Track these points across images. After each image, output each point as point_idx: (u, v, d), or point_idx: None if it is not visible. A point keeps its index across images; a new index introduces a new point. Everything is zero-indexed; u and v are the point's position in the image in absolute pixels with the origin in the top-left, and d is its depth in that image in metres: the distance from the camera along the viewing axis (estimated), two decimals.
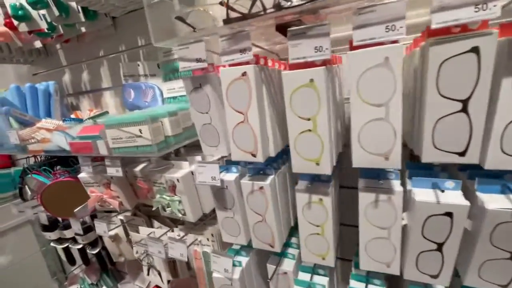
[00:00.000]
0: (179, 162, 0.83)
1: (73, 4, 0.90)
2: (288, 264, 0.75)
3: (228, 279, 0.73)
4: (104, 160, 0.93)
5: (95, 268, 1.43)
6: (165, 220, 1.09)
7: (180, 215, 0.82)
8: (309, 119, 0.50)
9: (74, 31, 1.04)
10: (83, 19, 0.92)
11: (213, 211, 0.91)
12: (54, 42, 1.19)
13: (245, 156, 0.59)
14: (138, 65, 1.03)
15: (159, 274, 0.97)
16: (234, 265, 0.74)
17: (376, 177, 0.54)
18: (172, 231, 0.98)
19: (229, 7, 0.49)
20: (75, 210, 1.06)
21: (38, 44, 1.14)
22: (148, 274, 1.01)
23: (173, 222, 1.07)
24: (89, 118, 0.98)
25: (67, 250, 1.40)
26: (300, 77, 0.48)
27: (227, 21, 0.50)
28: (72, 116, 1.19)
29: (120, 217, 1.14)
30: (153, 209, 0.87)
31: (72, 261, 1.43)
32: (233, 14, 0.50)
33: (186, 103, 0.89)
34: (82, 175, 0.94)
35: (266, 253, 0.80)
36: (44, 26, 0.94)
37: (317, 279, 0.68)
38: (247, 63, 0.53)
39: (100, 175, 0.92)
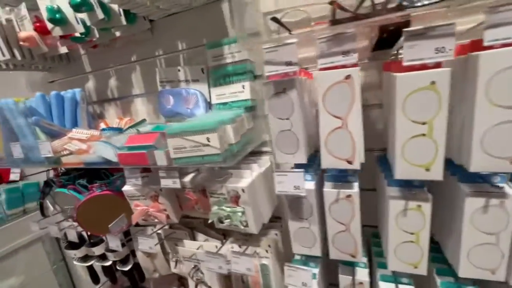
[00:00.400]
0: (238, 171, 0.79)
1: (115, 7, 0.84)
2: (362, 274, 0.72)
3: None
4: (151, 171, 0.88)
5: (122, 287, 1.35)
6: (208, 232, 1.04)
7: (242, 227, 0.77)
8: (424, 123, 0.47)
9: (109, 35, 0.98)
10: (124, 22, 0.87)
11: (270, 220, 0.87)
12: (83, 47, 1.12)
13: (339, 163, 0.56)
14: (179, 70, 0.98)
15: None
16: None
17: (482, 181, 0.53)
18: (222, 243, 0.93)
19: (341, 7, 0.46)
20: (109, 225, 0.99)
21: (63, 49, 1.07)
22: None
23: (217, 233, 1.02)
24: (130, 127, 0.92)
25: (91, 269, 1.31)
26: (420, 79, 0.45)
27: (336, 21, 0.48)
28: (102, 125, 1.12)
29: (158, 231, 1.08)
30: (210, 221, 0.82)
31: (96, 279, 1.34)
32: (340, 15, 0.48)
33: (238, 110, 0.85)
34: (127, 188, 0.88)
35: (330, 263, 0.77)
36: (80, 30, 0.87)
37: None
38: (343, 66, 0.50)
39: (147, 187, 0.86)
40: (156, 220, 0.92)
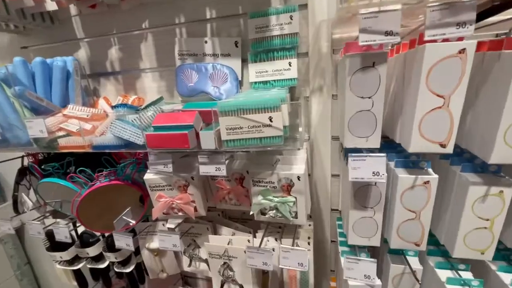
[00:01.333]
0: (284, 157, 0.71)
1: None
2: (414, 262, 0.70)
3: (370, 287, 0.65)
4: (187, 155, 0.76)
5: None
6: (230, 224, 0.94)
7: (290, 219, 0.70)
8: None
9: None
10: None
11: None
12: (77, 6, 0.91)
13: (431, 147, 0.52)
14: (206, 41, 0.85)
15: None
16: None
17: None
18: (255, 236, 0.85)
19: None
20: (114, 221, 0.85)
21: (52, 6, 0.86)
22: None
23: (241, 225, 0.93)
24: (148, 106, 0.77)
25: (79, 273, 1.12)
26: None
27: None
28: (101, 103, 0.94)
29: (170, 225, 0.95)
30: (251, 213, 0.73)
31: (84, 284, 1.15)
32: None
33: (281, 90, 0.76)
34: (150, 177, 0.74)
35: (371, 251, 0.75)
36: None
37: (465, 275, 0.65)
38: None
39: (177, 175, 0.73)
40: (179, 214, 0.80)
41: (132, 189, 0.82)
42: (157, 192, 0.76)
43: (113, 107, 0.76)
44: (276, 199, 0.70)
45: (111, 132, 0.69)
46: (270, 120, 0.58)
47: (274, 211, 0.72)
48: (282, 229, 0.86)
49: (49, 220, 1.04)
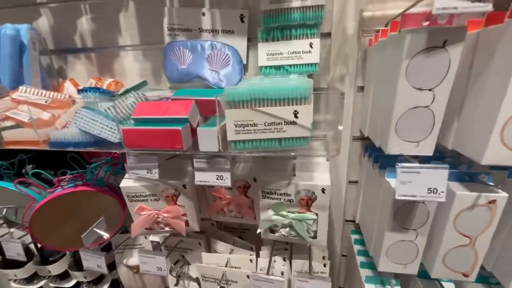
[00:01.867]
0: (306, 161, 0.57)
1: None
2: None
3: None
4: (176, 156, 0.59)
5: None
6: (226, 238, 0.79)
7: (308, 240, 0.56)
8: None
9: None
10: None
11: None
12: None
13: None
14: (203, 14, 0.68)
15: None
16: None
17: None
18: (258, 255, 0.70)
19: None
20: (83, 236, 0.67)
21: None
22: None
23: (238, 239, 0.78)
24: (127, 91, 0.59)
25: None
26: None
27: None
28: (67, 86, 0.75)
29: (153, 238, 0.79)
30: (259, 231, 0.59)
31: None
32: None
33: (300, 78, 0.61)
34: (128, 184, 0.57)
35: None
36: None
37: None
38: None
39: (165, 183, 0.57)
40: (166, 229, 0.64)
41: (106, 197, 0.65)
42: (137, 203, 0.59)
43: (80, 90, 0.58)
44: (291, 215, 0.56)
45: (76, 125, 0.51)
46: (295, 116, 0.43)
47: (288, 229, 0.58)
48: (291, 245, 0.72)
49: (2, 230, 0.84)
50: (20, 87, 0.63)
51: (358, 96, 0.70)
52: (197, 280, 0.79)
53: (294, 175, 0.51)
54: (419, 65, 0.40)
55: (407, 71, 0.41)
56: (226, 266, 0.68)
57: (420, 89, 0.41)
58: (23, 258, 0.72)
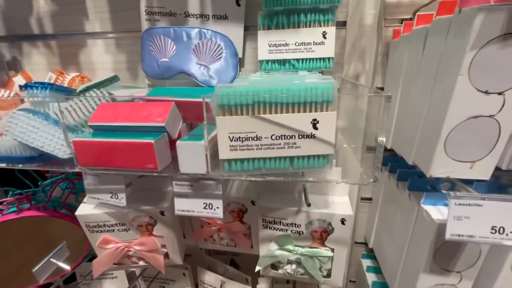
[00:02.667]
0: (318, 183, 0.45)
1: None
2: None
3: None
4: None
5: None
6: (215, 265, 0.67)
7: (321, 280, 0.44)
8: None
9: None
10: None
11: None
12: None
13: None
14: None
15: None
16: None
17: None
18: None
19: None
20: (35, 270, 0.54)
21: None
22: None
23: (231, 267, 0.65)
24: (88, 88, 0.46)
25: None
26: None
27: None
28: (17, 80, 0.60)
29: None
30: (258, 269, 0.46)
31: None
32: None
33: (311, 74, 0.49)
34: (86, 212, 0.43)
35: None
36: None
37: None
38: None
39: (136, 209, 0.43)
40: (141, 264, 0.50)
41: (62, 222, 0.51)
42: (100, 234, 0.45)
43: (22, 86, 0.44)
44: (300, 250, 0.43)
45: (10, 134, 0.37)
46: (315, 126, 0.31)
47: (294, 265, 0.46)
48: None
49: None
50: None
51: (374, 99, 0.58)
52: None
53: (309, 205, 0.39)
54: (490, 59, 0.28)
55: (470, 68, 0.29)
56: None
57: (486, 92, 0.30)
58: None
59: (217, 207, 0.37)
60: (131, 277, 0.68)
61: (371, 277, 0.63)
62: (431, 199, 0.40)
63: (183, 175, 0.36)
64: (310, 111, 0.31)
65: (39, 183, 0.52)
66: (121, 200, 0.40)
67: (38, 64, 0.67)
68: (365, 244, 0.70)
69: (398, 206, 0.50)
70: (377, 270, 0.64)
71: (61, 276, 0.61)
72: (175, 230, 0.48)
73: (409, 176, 0.47)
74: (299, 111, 0.31)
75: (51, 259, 0.56)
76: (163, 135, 0.35)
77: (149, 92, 0.44)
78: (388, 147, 0.54)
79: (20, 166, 0.39)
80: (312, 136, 0.31)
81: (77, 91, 0.45)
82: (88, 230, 0.45)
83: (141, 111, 0.37)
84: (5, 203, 0.46)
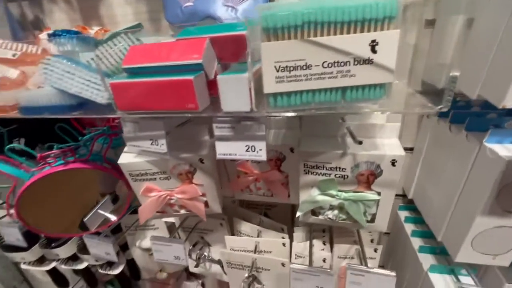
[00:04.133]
0: (363, 123, 0.41)
1: None
2: None
3: None
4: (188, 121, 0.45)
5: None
6: (249, 216, 0.68)
7: (365, 224, 0.43)
8: None
9: None
10: None
11: None
12: None
13: None
14: None
15: None
16: None
17: None
18: (291, 237, 0.59)
19: None
20: (86, 219, 0.57)
21: None
22: None
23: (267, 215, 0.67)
24: (115, 35, 0.43)
25: (54, 272, 0.88)
26: None
27: None
28: (44, 35, 0.59)
29: (168, 218, 0.69)
30: (298, 214, 0.46)
31: (63, 283, 0.92)
32: None
33: None
34: (128, 160, 0.44)
35: None
36: None
37: None
38: None
39: (176, 157, 0.43)
40: (182, 212, 0.52)
41: (105, 174, 0.53)
42: (143, 182, 0.46)
43: (51, 35, 0.42)
44: (343, 195, 0.42)
45: (47, 81, 0.37)
46: (373, 49, 0.27)
47: (336, 211, 0.45)
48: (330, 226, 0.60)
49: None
50: None
51: (425, 34, 0.51)
52: (219, 262, 0.70)
53: (361, 143, 0.36)
54: None
55: None
56: (255, 251, 0.57)
57: None
58: (22, 243, 0.63)
59: (260, 149, 0.36)
60: (171, 228, 0.72)
61: (409, 227, 0.62)
62: (496, 137, 0.36)
63: (223, 118, 0.34)
64: (369, 30, 0.27)
65: (79, 139, 0.54)
66: (162, 146, 0.39)
67: (61, 21, 0.66)
68: (403, 195, 0.68)
69: (450, 150, 0.46)
70: (416, 220, 0.63)
71: (109, 226, 0.65)
72: (214, 179, 0.48)
73: (466, 117, 0.42)
74: (355, 31, 0.27)
75: (98, 211, 0.60)
76: (201, 73, 0.33)
77: (178, 34, 0.41)
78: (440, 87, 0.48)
79: (60, 115, 0.39)
80: (369, 62, 0.28)
81: (104, 38, 0.43)
82: (132, 178, 0.46)
83: (175, 50, 0.34)
84: (52, 155, 0.48)
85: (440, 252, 0.53)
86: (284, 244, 0.58)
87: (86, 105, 0.40)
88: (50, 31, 0.52)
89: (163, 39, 0.50)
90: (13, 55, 0.47)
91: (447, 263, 0.50)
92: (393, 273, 0.42)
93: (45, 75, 0.36)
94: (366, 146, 0.39)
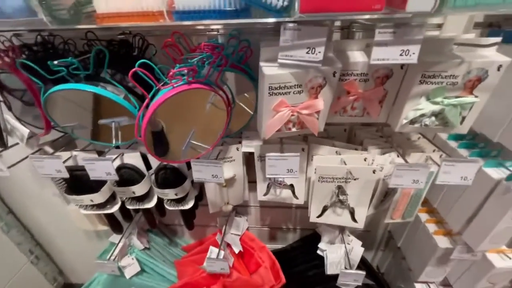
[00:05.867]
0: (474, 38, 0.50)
1: None
2: None
3: None
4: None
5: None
6: (323, 141, 0.75)
7: (457, 124, 0.54)
8: None
9: None
10: None
11: None
12: None
13: None
14: None
15: (352, 211, 0.71)
16: None
17: None
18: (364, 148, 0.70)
19: None
20: (183, 148, 0.60)
21: None
22: (321, 214, 0.73)
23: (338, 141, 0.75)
24: None
25: (111, 215, 0.88)
26: None
27: None
28: None
29: (245, 149, 0.73)
30: (403, 122, 0.55)
31: (119, 227, 0.93)
32: None
33: None
34: (272, 71, 0.46)
35: None
36: None
37: None
38: None
39: (317, 69, 0.47)
40: (293, 130, 0.57)
41: (217, 98, 0.54)
42: (278, 97, 0.50)
43: None
44: (446, 101, 0.52)
45: None
46: None
47: (433, 118, 0.55)
48: (389, 140, 0.72)
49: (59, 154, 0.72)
50: None
51: None
52: (291, 186, 0.78)
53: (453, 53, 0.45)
54: None
55: None
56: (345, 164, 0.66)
57: None
58: (114, 177, 0.62)
59: (413, 53, 0.42)
60: (248, 158, 0.77)
61: None
62: None
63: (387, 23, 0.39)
64: None
65: (154, 85, 0.52)
66: (318, 54, 0.43)
67: None
68: None
69: None
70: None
71: (202, 155, 0.67)
72: (333, 95, 0.53)
73: None
74: None
75: (191, 140, 0.62)
76: None
77: None
78: None
79: (223, 21, 0.40)
80: None
81: None
82: (268, 92, 0.49)
83: None
84: (183, 72, 0.48)
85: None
86: (365, 159, 0.67)
87: (247, 11, 0.40)
88: None
89: None
90: None
91: None
92: (479, 160, 0.55)
93: None
94: (475, 55, 0.48)
